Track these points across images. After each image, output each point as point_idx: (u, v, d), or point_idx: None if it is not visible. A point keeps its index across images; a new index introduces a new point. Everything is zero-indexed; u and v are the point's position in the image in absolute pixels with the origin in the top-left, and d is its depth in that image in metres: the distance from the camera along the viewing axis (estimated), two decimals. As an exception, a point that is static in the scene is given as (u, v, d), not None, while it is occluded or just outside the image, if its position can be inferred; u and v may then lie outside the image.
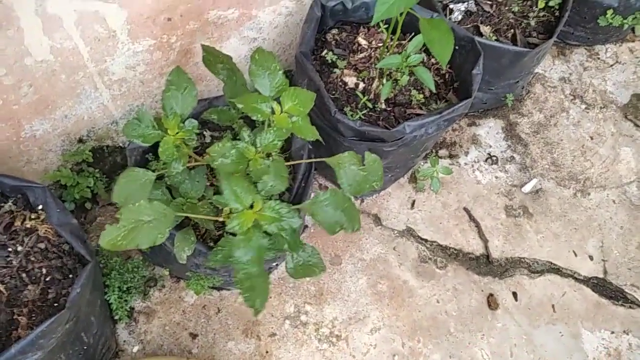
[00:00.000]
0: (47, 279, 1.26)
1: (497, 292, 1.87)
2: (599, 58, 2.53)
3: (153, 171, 1.43)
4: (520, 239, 1.99)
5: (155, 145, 1.25)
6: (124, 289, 1.59)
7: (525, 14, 2.07)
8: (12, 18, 1.22)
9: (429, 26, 1.24)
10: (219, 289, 1.71)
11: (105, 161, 1.78)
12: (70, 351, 1.32)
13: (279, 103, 1.31)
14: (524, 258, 1.95)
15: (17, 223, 1.32)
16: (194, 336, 1.67)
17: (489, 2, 2.06)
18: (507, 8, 2.06)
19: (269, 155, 1.32)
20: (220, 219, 1.26)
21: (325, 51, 1.79)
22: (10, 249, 1.28)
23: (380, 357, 1.71)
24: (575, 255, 1.99)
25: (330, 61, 1.77)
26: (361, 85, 1.76)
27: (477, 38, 1.81)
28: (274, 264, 1.72)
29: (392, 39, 1.71)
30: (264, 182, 1.17)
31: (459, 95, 1.78)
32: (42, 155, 1.61)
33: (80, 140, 1.66)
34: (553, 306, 1.88)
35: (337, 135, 1.65)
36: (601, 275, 1.96)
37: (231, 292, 1.74)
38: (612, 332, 1.86)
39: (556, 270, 1.95)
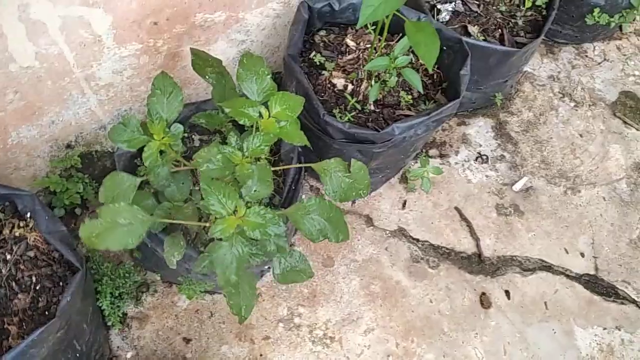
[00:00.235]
0: (37, 288, 1.26)
1: (489, 291, 1.87)
2: (587, 56, 2.55)
3: (141, 176, 1.42)
4: (512, 237, 2.00)
5: (142, 148, 1.25)
6: (116, 294, 1.58)
7: (512, 13, 2.08)
8: (-6, 25, 1.21)
9: (415, 29, 1.24)
10: (211, 292, 1.71)
11: (95, 166, 1.77)
12: (63, 359, 1.31)
13: (267, 107, 1.31)
14: (515, 256, 1.96)
15: (6, 231, 1.31)
16: (187, 341, 1.66)
17: (477, 2, 2.07)
18: (494, 8, 2.06)
19: (257, 159, 1.31)
20: (207, 225, 1.25)
21: (314, 53, 1.79)
22: (-2, 258, 1.27)
23: (374, 357, 1.71)
24: (567, 252, 2.00)
25: (318, 63, 1.77)
26: (350, 87, 1.76)
27: (464, 38, 1.82)
28: (266, 267, 1.71)
29: (379, 40, 1.71)
30: (247, 187, 1.16)
31: (447, 95, 1.78)
32: (30, 162, 1.60)
33: (69, 146, 1.65)
34: (546, 304, 1.88)
35: (326, 138, 1.65)
36: (593, 272, 1.97)
37: (224, 296, 1.73)
38: (605, 328, 1.87)
39: (548, 267, 1.95)
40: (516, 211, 2.06)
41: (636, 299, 1.94)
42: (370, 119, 1.72)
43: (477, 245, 1.95)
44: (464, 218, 2.01)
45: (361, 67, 1.78)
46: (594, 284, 1.95)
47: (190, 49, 1.42)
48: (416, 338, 1.76)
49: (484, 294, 1.86)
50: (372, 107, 1.73)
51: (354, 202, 1.99)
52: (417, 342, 1.76)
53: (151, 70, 1.63)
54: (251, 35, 1.82)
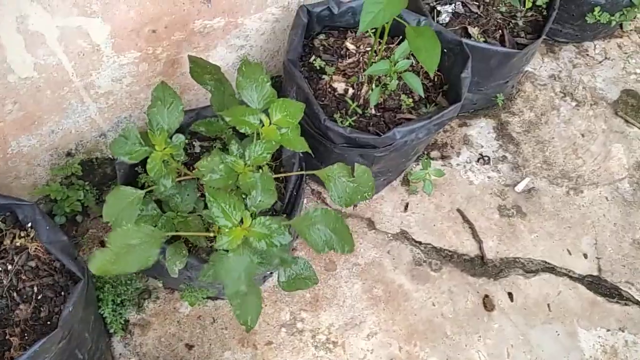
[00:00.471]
0: (39, 298, 1.26)
1: (492, 293, 1.87)
2: (588, 55, 2.54)
3: (142, 185, 1.42)
4: (514, 239, 1.99)
5: (144, 158, 1.25)
6: (118, 301, 1.58)
7: (512, 14, 2.07)
8: (-7, 36, 1.21)
9: (415, 34, 1.23)
10: (213, 298, 1.70)
11: (95, 173, 1.77)
12: (65, 369, 1.31)
13: (268, 115, 1.30)
14: (518, 258, 1.95)
15: (7, 241, 1.31)
16: (190, 347, 1.66)
17: (476, 3, 2.06)
18: (494, 8, 2.05)
19: (259, 167, 1.31)
20: (211, 235, 1.25)
21: (314, 57, 1.79)
22: (0, 268, 1.27)
23: (377, 362, 1.71)
24: (570, 253, 1.99)
25: (318, 67, 1.77)
26: (350, 91, 1.75)
27: (465, 40, 1.81)
28: (269, 272, 1.71)
29: (380, 43, 1.70)
30: (252, 198, 1.16)
31: (448, 98, 1.78)
32: (30, 171, 1.60)
33: (69, 154, 1.65)
34: (549, 305, 1.88)
35: (327, 142, 1.65)
36: (596, 273, 1.96)
37: (226, 302, 1.73)
38: (608, 330, 1.87)
39: (551, 269, 1.95)
40: (518, 212, 2.05)
41: (640, 299, 1.93)
42: (372, 123, 1.71)
43: (480, 248, 1.95)
44: (466, 220, 2.00)
45: (361, 70, 1.77)
46: (597, 285, 1.95)
47: (189, 56, 1.42)
48: (419, 342, 1.76)
49: (486, 296, 1.86)
50: (373, 111, 1.73)
51: (355, 205, 1.98)
52: (420, 345, 1.75)
53: (150, 77, 1.62)
54: (250, 40, 1.82)
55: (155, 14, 1.47)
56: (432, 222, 1.99)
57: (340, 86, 1.76)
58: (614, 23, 2.38)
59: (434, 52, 1.20)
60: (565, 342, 1.83)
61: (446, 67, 1.79)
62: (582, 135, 2.29)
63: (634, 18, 2.46)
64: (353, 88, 1.76)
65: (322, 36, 1.86)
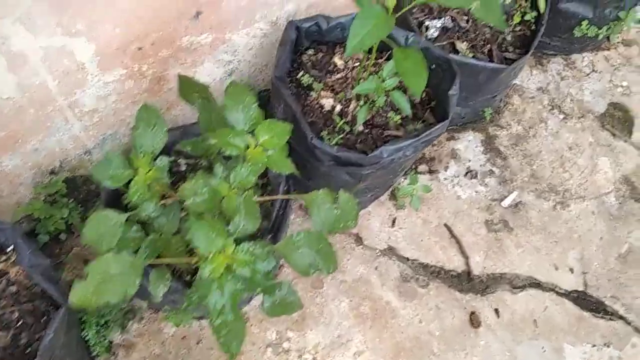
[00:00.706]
0: (19, 324, 1.23)
1: (479, 310, 1.87)
2: (575, 67, 2.55)
3: (126, 206, 1.40)
4: (501, 254, 1.99)
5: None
6: (102, 323, 1.56)
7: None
8: (-26, 58, 1.19)
9: (402, 56, 1.23)
10: (199, 318, 1.69)
11: (80, 190, 1.75)
12: (46, 395, 1.29)
13: (254, 136, 1.29)
14: (505, 273, 1.96)
15: (-13, 266, 1.29)
16: (175, 366, 1.65)
17: (465, 17, 2.06)
18: (483, 23, 2.05)
19: (245, 189, 1.30)
20: (194, 261, 1.24)
21: (302, 73, 1.77)
22: (-20, 294, 1.25)
23: (364, 380, 1.71)
24: (556, 268, 2.00)
25: (306, 84, 1.76)
26: (338, 107, 1.74)
27: (453, 56, 1.81)
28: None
29: (368, 59, 1.69)
30: (235, 223, 1.15)
31: (436, 114, 1.77)
32: (13, 189, 1.58)
33: (53, 172, 1.62)
34: (535, 321, 1.88)
35: (314, 160, 1.64)
36: (582, 288, 1.97)
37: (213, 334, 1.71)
38: (594, 346, 1.87)
39: (537, 284, 1.95)
40: (506, 227, 2.06)
41: (625, 314, 1.94)
42: (359, 140, 1.71)
43: (467, 263, 1.95)
44: (453, 235, 2.00)
45: (350, 86, 1.77)
46: (584, 300, 1.96)
47: (178, 76, 1.40)
48: (406, 359, 1.76)
49: (473, 312, 1.86)
50: (361, 128, 1.72)
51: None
52: (407, 363, 1.75)
53: (136, 94, 1.61)
54: (238, 55, 1.80)
55: (142, 32, 1.45)
56: (420, 237, 1.98)
57: (328, 102, 1.75)
58: (601, 36, 2.39)
59: (420, 76, 1.19)
60: (551, 358, 1.83)
61: (434, 83, 1.78)
62: (570, 149, 2.30)
63: (621, 31, 2.47)
64: (341, 104, 1.75)
65: (310, 51, 1.85)
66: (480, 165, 2.18)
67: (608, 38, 2.58)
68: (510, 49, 2.05)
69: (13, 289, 1.26)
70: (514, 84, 2.41)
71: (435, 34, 1.99)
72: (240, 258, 1.08)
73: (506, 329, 1.85)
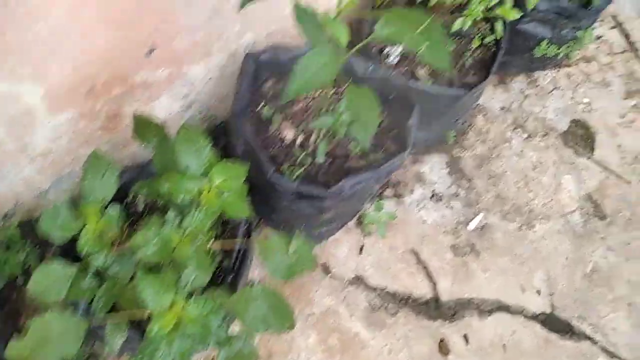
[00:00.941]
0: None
1: (447, 336, 1.87)
2: (538, 85, 2.58)
3: (79, 262, 1.36)
4: (468, 278, 2.00)
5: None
6: (61, 370, 1.51)
7: (461, 52, 2.08)
8: None
9: (354, 96, 1.21)
10: (162, 359, 1.65)
11: (37, 232, 1.69)
12: None
13: (209, 179, 1.27)
14: (472, 298, 1.96)
15: None
16: (139, 409, 1.61)
17: (425, 43, 2.06)
18: (443, 48, 2.06)
19: (201, 234, 1.27)
20: (146, 314, 1.20)
21: (262, 104, 1.76)
22: None
23: (334, 414, 1.69)
24: (523, 291, 2.01)
25: (265, 118, 1.74)
26: (300, 139, 1.73)
27: (413, 83, 1.81)
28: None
29: (329, 88, 1.69)
30: (186, 275, 1.12)
31: (397, 143, 1.77)
32: (-36, 236, 1.53)
33: (5, 216, 1.58)
34: (504, 346, 1.89)
35: (275, 195, 1.62)
36: (549, 310, 1.98)
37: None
38: (562, 367, 1.89)
39: (505, 308, 1.96)
40: (472, 250, 2.06)
41: (591, 334, 1.96)
42: (321, 171, 1.69)
43: (434, 289, 1.95)
44: (420, 261, 2.00)
45: (311, 116, 1.75)
46: (550, 322, 1.97)
47: (133, 115, 1.38)
48: (376, 391, 1.74)
49: (442, 340, 1.86)
50: (323, 160, 1.71)
51: (309, 250, 1.96)
52: (376, 394, 1.74)
53: (91, 133, 1.57)
54: (197, 87, 1.78)
55: (92, 72, 1.42)
56: (387, 264, 1.98)
57: (288, 134, 1.74)
58: (561, 55, 2.43)
59: (369, 125, 1.16)
60: (520, 382, 1.84)
61: (393, 112, 1.78)
62: (534, 168, 2.32)
63: (579, 49, 2.51)
64: (303, 135, 1.74)
65: (270, 82, 1.83)
66: (446, 188, 2.19)
67: (567, 56, 2.62)
68: (471, 72, 2.06)
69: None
70: (477, 104, 2.43)
71: (396, 61, 2.00)
72: (190, 315, 1.06)
73: (475, 355, 1.85)
